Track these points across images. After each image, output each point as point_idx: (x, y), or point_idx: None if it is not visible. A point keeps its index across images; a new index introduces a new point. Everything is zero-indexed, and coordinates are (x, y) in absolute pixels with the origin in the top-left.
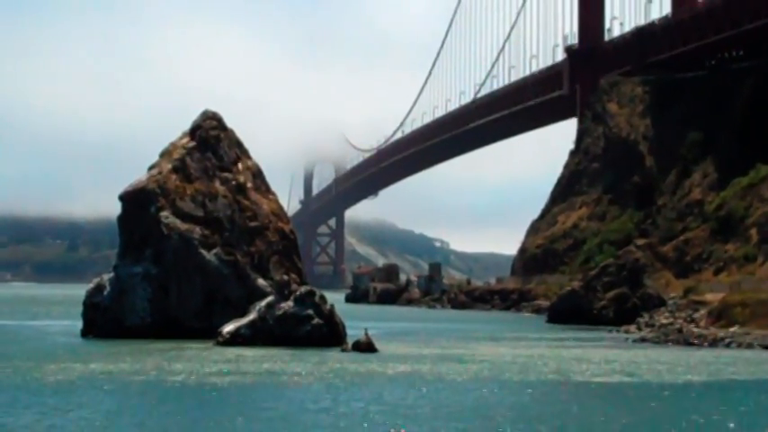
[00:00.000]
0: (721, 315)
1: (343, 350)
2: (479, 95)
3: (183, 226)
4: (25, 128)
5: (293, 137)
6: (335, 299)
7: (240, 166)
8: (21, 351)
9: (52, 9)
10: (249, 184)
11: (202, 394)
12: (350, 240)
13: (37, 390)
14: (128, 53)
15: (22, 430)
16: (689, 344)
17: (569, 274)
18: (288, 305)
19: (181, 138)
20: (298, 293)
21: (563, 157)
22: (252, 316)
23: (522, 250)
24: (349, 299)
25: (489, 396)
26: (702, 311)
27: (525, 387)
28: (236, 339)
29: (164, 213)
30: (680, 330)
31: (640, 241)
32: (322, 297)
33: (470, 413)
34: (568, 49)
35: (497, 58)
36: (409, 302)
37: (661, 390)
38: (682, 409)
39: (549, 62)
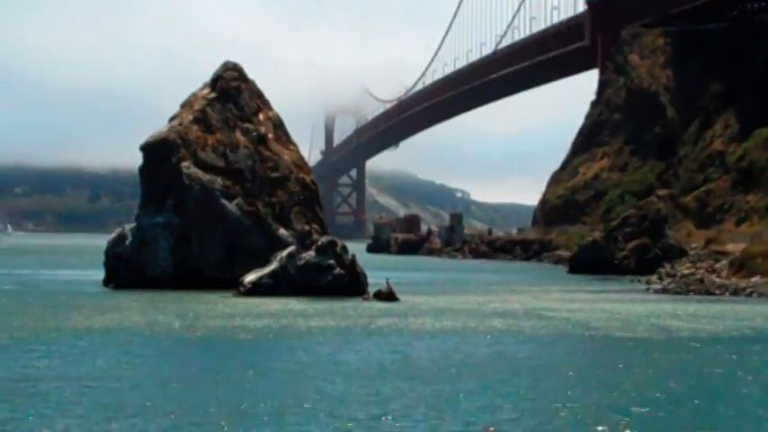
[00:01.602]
0: (743, 265)
1: (364, 299)
2: (500, 47)
3: (204, 176)
4: (36, 78)
5: (314, 88)
6: (357, 249)
7: (261, 116)
8: (41, 300)
9: None
10: (270, 135)
11: (217, 345)
12: (371, 191)
13: (54, 339)
14: (118, 5)
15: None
16: (710, 294)
17: (590, 225)
18: (309, 255)
19: (201, 88)
20: (319, 243)
21: (584, 108)
22: (273, 266)
23: (544, 201)
24: (370, 249)
25: (504, 348)
26: (724, 262)
27: (545, 339)
28: (257, 289)
29: (185, 164)
30: (701, 281)
31: (662, 192)
32: (343, 247)
33: (491, 364)
34: (590, 1)
35: (518, 10)
36: (430, 253)
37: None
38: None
39: (571, 13)
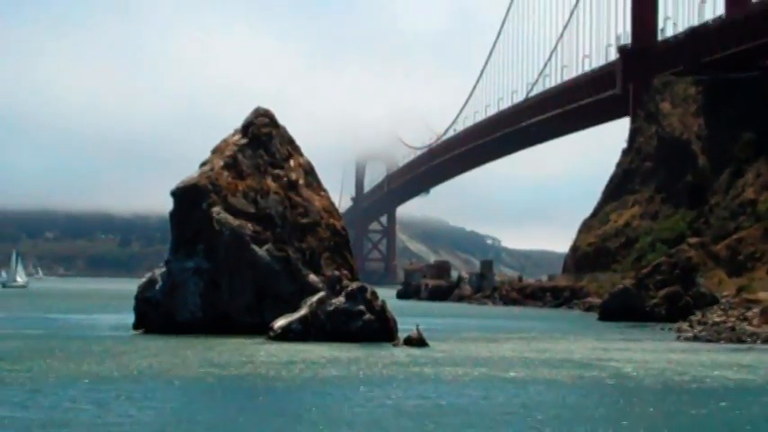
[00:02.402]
0: None
1: (395, 345)
2: (531, 94)
3: (234, 222)
4: (65, 124)
5: (344, 134)
6: (387, 295)
7: (292, 162)
8: (72, 345)
9: (70, 11)
10: (301, 181)
11: (248, 390)
12: (401, 237)
13: (84, 384)
14: (146, 54)
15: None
16: (741, 342)
17: (621, 272)
18: (339, 301)
19: (233, 135)
20: (349, 289)
21: (615, 156)
22: (303, 311)
23: (575, 248)
24: (400, 295)
25: (535, 395)
26: (755, 310)
27: (576, 389)
28: (287, 335)
29: (215, 209)
30: (732, 329)
31: (693, 240)
32: (373, 293)
33: (516, 412)
34: (621, 49)
35: (550, 58)
36: (460, 299)
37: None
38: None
39: (602, 62)
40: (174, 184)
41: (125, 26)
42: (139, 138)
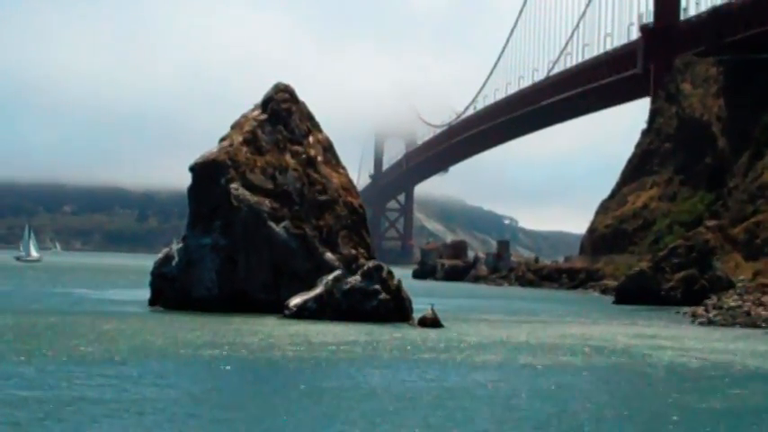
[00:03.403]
0: None
1: (409, 325)
2: (552, 73)
3: (252, 198)
4: (83, 100)
5: (365, 110)
6: (403, 274)
7: (311, 139)
8: (89, 320)
9: None
10: (320, 158)
11: (262, 369)
12: (418, 216)
13: (103, 360)
14: (155, 29)
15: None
16: (756, 327)
17: (638, 255)
18: (355, 279)
19: (252, 110)
20: (365, 268)
21: (634, 137)
22: (319, 290)
23: (592, 230)
24: (416, 275)
25: (545, 380)
26: None
27: (589, 371)
28: (302, 313)
29: (233, 185)
30: (748, 313)
31: (710, 223)
32: (389, 272)
33: (540, 398)
34: (643, 28)
35: (571, 36)
36: (476, 279)
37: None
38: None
39: (624, 41)
40: (188, 158)
41: (133, 4)
42: (150, 112)
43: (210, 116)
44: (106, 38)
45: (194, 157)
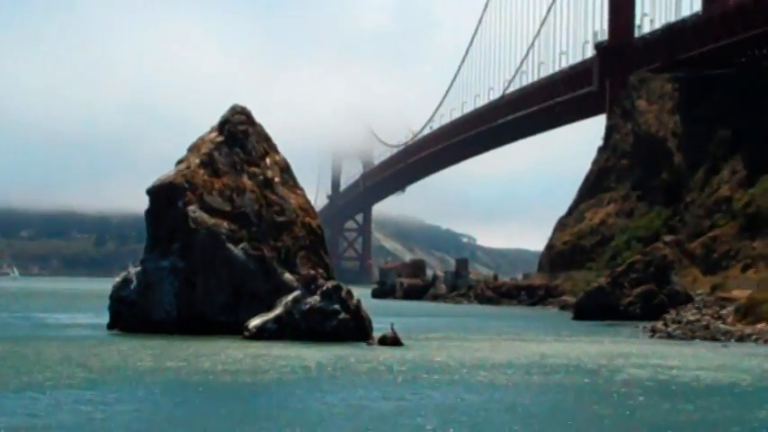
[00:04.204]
0: (748, 312)
1: (369, 344)
2: (508, 91)
3: (210, 220)
4: (38, 123)
5: (321, 131)
6: (362, 294)
7: (268, 160)
8: (47, 344)
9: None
10: (277, 179)
11: (220, 391)
12: (377, 236)
13: (64, 384)
14: (102, 53)
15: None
16: (715, 340)
17: (596, 271)
18: (314, 300)
19: (209, 132)
20: (324, 288)
21: (590, 154)
22: (278, 310)
23: (550, 246)
24: (376, 294)
25: (505, 396)
26: (729, 308)
27: (546, 387)
28: (262, 334)
29: (191, 208)
30: (707, 327)
31: (668, 238)
32: (348, 292)
33: (482, 413)
34: (598, 46)
35: (527, 55)
36: (436, 298)
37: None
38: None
39: (579, 59)
40: (141, 180)
41: (81, 24)
42: (100, 134)
43: (162, 138)
44: (52, 59)
45: (147, 179)
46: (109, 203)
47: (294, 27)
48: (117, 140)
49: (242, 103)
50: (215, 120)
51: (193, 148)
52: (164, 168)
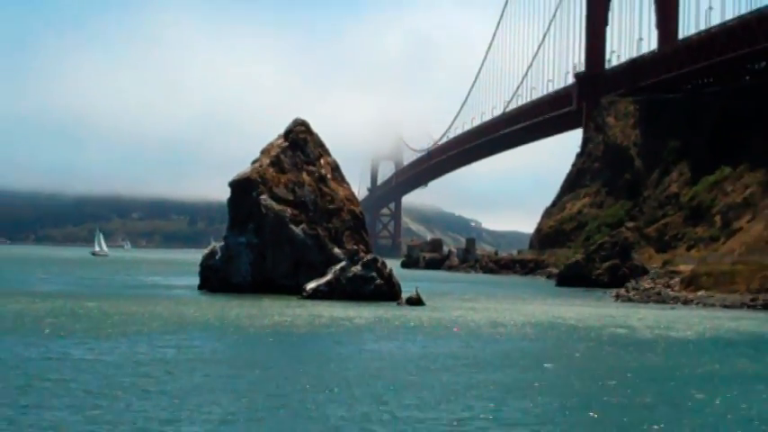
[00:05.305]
0: (691, 282)
1: (398, 304)
2: (507, 109)
3: (277, 207)
4: (126, 132)
5: (362, 139)
6: (393, 264)
7: (322, 161)
8: (151, 301)
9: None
10: (329, 176)
11: (284, 337)
12: (405, 220)
13: (159, 330)
14: (175, 76)
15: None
16: (665, 303)
17: (574, 249)
18: (357, 269)
19: (277, 139)
20: (364, 260)
21: (570, 158)
22: (329, 276)
23: (539, 229)
24: (404, 265)
25: (503, 345)
26: (677, 279)
27: (540, 337)
28: (316, 294)
29: (263, 197)
30: (659, 293)
31: (629, 224)
32: (383, 263)
33: (493, 359)
34: (577, 75)
35: (522, 81)
36: (450, 268)
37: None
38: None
39: (562, 85)
40: (216, 176)
41: (161, 53)
42: (180, 140)
43: (227, 143)
44: (140, 79)
45: (220, 175)
46: (194, 192)
47: (335, 55)
48: (193, 143)
49: (298, 116)
50: (271, 129)
51: (265, 151)
52: (231, 166)
